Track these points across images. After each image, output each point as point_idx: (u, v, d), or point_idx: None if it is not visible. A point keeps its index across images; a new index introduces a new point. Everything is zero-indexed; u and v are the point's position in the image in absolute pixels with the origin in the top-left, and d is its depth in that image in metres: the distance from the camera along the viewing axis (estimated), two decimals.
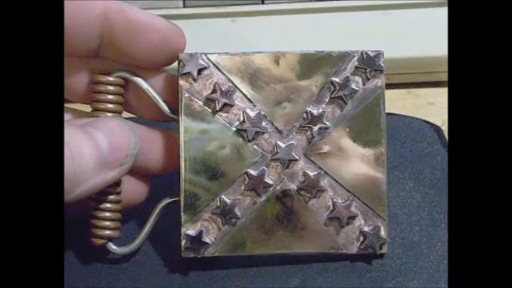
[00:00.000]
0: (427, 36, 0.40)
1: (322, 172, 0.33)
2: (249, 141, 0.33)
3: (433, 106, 0.42)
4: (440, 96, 0.42)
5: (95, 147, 0.30)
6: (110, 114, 0.32)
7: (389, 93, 0.34)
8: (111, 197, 0.33)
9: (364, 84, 0.33)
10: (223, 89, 0.32)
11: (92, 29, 0.31)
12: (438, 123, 0.38)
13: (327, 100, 0.33)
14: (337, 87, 0.33)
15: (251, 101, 0.33)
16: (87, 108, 0.33)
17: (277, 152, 0.33)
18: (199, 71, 0.32)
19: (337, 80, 0.33)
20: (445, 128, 0.38)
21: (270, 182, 0.33)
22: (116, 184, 0.32)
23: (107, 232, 0.33)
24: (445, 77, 0.41)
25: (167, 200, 0.33)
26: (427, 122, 0.38)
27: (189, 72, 0.32)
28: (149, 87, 0.33)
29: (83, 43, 0.31)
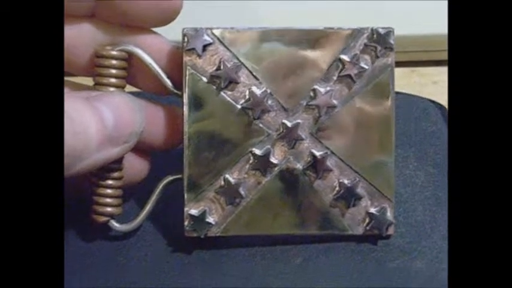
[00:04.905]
0: (431, 14, 0.39)
1: (328, 152, 0.32)
2: (254, 119, 0.32)
3: (437, 85, 0.42)
4: (444, 75, 0.41)
5: (99, 122, 0.29)
6: (113, 89, 0.32)
7: None
8: (113, 174, 0.32)
9: (373, 62, 0.32)
10: (228, 65, 0.32)
11: None
12: (442, 102, 0.38)
13: (334, 78, 0.32)
14: (346, 65, 0.32)
15: (257, 78, 0.32)
16: (87, 81, 0.33)
17: (283, 131, 0.32)
18: (204, 47, 0.32)
19: (345, 57, 0.32)
20: None
21: (275, 161, 0.32)
22: (118, 160, 0.32)
23: (109, 209, 0.32)
24: None
25: (170, 178, 0.33)
26: (431, 101, 0.38)
27: (193, 48, 0.32)
28: (152, 61, 0.32)
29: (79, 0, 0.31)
